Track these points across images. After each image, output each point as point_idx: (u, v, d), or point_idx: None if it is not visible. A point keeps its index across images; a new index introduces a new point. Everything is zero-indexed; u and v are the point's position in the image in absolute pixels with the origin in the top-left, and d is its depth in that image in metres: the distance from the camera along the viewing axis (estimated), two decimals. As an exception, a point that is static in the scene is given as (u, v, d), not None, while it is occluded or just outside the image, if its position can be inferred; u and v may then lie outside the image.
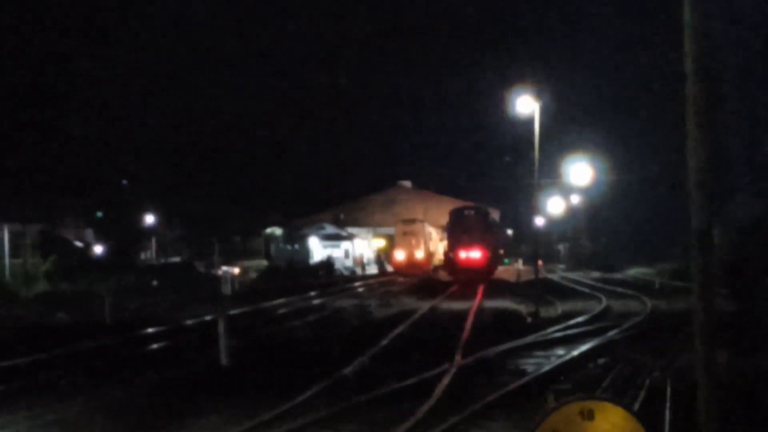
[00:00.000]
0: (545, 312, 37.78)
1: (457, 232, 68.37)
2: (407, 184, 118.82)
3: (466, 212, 70.73)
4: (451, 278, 67.14)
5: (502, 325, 32.55)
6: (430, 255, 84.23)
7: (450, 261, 69.94)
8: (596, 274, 76.18)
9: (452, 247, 69.18)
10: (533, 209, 53.36)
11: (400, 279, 70.73)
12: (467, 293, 50.28)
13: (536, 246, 65.75)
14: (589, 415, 7.42)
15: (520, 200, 79.15)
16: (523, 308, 39.63)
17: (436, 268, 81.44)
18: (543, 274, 67.68)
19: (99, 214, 68.35)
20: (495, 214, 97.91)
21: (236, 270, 63.34)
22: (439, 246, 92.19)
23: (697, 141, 8.53)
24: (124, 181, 69.59)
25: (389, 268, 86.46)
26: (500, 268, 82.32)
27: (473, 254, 66.72)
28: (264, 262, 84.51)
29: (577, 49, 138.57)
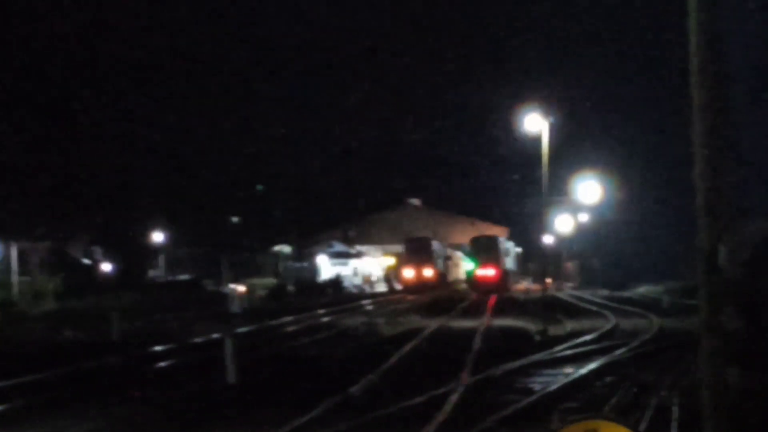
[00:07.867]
0: (553, 330, 37.65)
1: (475, 255, 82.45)
2: (416, 202, 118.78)
3: (482, 240, 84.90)
4: (471, 291, 78.07)
5: (510, 344, 32.45)
6: (438, 273, 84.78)
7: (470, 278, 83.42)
8: (605, 293, 75.79)
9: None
10: (542, 227, 53.32)
11: (409, 297, 70.74)
12: (476, 311, 50.18)
13: (545, 264, 66.31)
14: (594, 435, 7.39)
15: (528, 218, 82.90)
16: (531, 326, 39.51)
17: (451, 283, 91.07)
18: (551, 292, 68.00)
19: None
20: (503, 232, 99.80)
21: (241, 288, 63.06)
22: (448, 263, 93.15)
23: (705, 161, 8.51)
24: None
25: (398, 286, 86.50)
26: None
27: (488, 272, 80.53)
28: (272, 280, 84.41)
29: (587, 68, 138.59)
